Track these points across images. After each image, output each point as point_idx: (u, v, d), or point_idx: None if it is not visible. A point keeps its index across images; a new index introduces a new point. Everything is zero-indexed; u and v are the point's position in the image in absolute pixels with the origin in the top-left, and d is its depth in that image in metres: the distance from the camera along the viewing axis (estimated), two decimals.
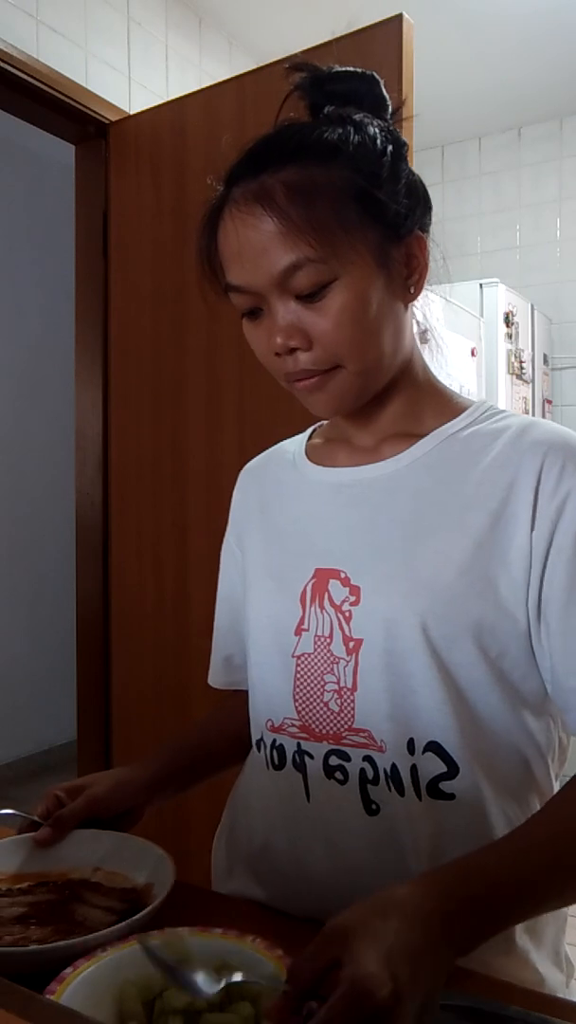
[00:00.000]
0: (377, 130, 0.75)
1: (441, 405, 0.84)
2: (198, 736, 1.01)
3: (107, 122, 2.39)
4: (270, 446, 1.01)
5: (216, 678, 1.03)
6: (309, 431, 0.95)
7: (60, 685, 3.51)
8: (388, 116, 0.79)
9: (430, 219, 0.79)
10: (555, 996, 0.74)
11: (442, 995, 0.58)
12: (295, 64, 0.78)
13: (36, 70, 2.20)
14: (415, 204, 0.76)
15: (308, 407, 0.80)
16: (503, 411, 0.83)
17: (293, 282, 0.71)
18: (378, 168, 0.73)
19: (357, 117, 0.75)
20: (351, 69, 0.78)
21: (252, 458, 1.02)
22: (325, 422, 0.95)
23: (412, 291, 0.78)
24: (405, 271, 0.77)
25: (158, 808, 0.92)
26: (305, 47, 1.94)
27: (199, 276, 0.79)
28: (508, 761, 0.77)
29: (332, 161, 0.72)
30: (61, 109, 2.31)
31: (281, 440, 0.99)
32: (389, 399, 0.82)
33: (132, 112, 2.45)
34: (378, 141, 0.74)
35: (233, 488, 1.01)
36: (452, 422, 0.82)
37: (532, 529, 0.73)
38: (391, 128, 0.77)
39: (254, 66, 2.29)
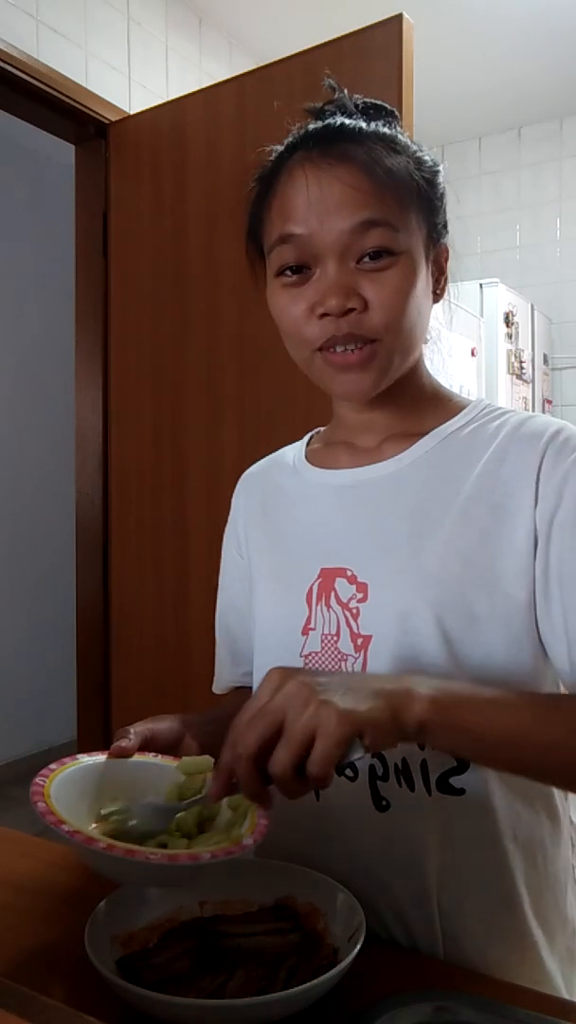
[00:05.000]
0: (418, 148, 0.81)
1: (441, 405, 0.85)
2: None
3: (107, 122, 2.40)
4: (270, 445, 1.00)
5: (222, 683, 1.00)
6: (307, 437, 0.96)
7: (60, 685, 3.51)
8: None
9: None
10: (566, 999, 0.74)
11: (453, 997, 0.57)
12: (330, 103, 0.81)
13: (36, 70, 2.20)
14: (445, 217, 0.82)
15: (338, 385, 0.79)
16: (501, 408, 0.84)
17: (363, 239, 0.73)
18: (430, 175, 0.80)
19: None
20: (377, 102, 0.83)
21: (252, 458, 1.01)
22: (322, 428, 0.95)
23: (436, 294, 0.83)
24: (436, 273, 0.82)
25: None
26: (305, 47, 1.94)
27: (245, 231, 0.82)
28: None
29: (401, 155, 0.77)
30: (61, 109, 2.31)
31: (280, 439, 0.99)
32: (393, 398, 0.83)
33: (132, 112, 2.45)
34: (425, 157, 0.81)
35: (232, 489, 1.01)
36: (451, 421, 0.83)
37: (535, 506, 0.74)
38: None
39: (254, 66, 2.29)
